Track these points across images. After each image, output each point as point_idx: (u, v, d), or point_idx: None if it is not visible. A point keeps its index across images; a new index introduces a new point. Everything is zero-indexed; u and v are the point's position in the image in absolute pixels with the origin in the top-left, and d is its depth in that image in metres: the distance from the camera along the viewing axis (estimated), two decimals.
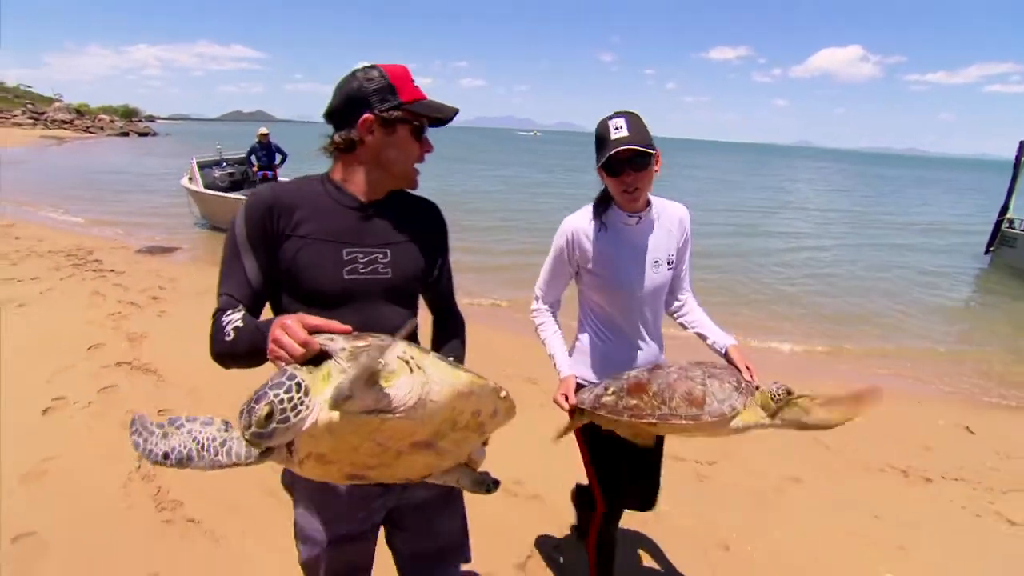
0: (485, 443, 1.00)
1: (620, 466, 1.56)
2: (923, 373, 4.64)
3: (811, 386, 1.34)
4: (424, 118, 1.04)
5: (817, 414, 1.26)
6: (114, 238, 8.05)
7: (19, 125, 45.30)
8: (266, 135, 9.05)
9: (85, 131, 47.17)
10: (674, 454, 2.70)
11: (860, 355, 5.06)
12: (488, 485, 1.02)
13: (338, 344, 0.78)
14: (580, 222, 1.44)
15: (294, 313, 0.88)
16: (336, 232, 1.01)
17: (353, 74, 1.02)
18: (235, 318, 0.93)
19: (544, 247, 1.54)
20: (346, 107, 1.01)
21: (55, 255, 6.44)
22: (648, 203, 1.43)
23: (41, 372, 3.19)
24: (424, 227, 1.15)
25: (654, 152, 1.31)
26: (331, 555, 1.08)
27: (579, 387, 1.47)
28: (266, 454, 0.75)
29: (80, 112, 55.19)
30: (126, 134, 48.40)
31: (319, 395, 0.72)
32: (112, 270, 5.91)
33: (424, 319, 1.14)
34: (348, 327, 0.83)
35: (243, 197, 8.48)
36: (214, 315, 0.96)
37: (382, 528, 1.17)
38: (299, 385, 0.70)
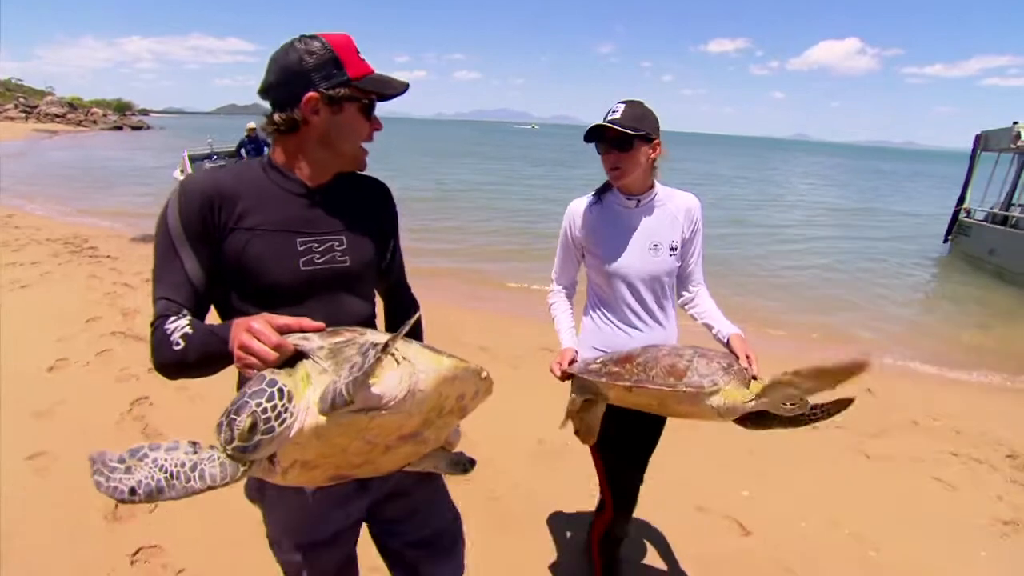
0: (463, 418, 0.98)
1: (634, 474, 1.58)
2: (860, 346, 5.12)
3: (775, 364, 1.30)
4: (373, 94, 0.96)
5: (805, 389, 1.18)
6: (109, 228, 8.45)
7: (11, 119, 45.30)
8: (254, 129, 9.41)
9: (78, 125, 47.21)
10: None
11: (799, 329, 5.53)
12: (464, 464, 1.01)
13: (314, 343, 0.73)
14: (579, 204, 1.50)
15: (248, 314, 0.83)
16: (286, 221, 0.94)
17: (291, 44, 0.92)
18: (181, 324, 0.84)
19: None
20: (286, 83, 0.92)
21: (53, 243, 6.83)
22: (651, 188, 1.46)
23: (45, 339, 3.62)
24: (376, 209, 1.09)
25: (634, 135, 1.33)
26: (311, 561, 1.03)
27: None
28: (246, 469, 0.68)
29: (73, 106, 55.08)
30: (119, 128, 48.45)
31: (302, 399, 0.68)
32: (108, 256, 6.32)
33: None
34: (321, 324, 0.78)
35: None
36: (153, 324, 0.88)
37: (366, 525, 1.13)
38: (282, 391, 0.66)
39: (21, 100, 52.43)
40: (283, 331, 0.75)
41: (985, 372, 4.81)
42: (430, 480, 1.14)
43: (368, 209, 1.07)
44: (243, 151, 9.49)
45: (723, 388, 1.20)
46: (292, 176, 0.97)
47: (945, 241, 10.71)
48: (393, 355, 0.74)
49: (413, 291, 1.26)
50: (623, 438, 1.51)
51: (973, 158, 10.44)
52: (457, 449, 1.02)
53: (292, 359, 0.73)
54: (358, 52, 0.95)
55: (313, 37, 0.93)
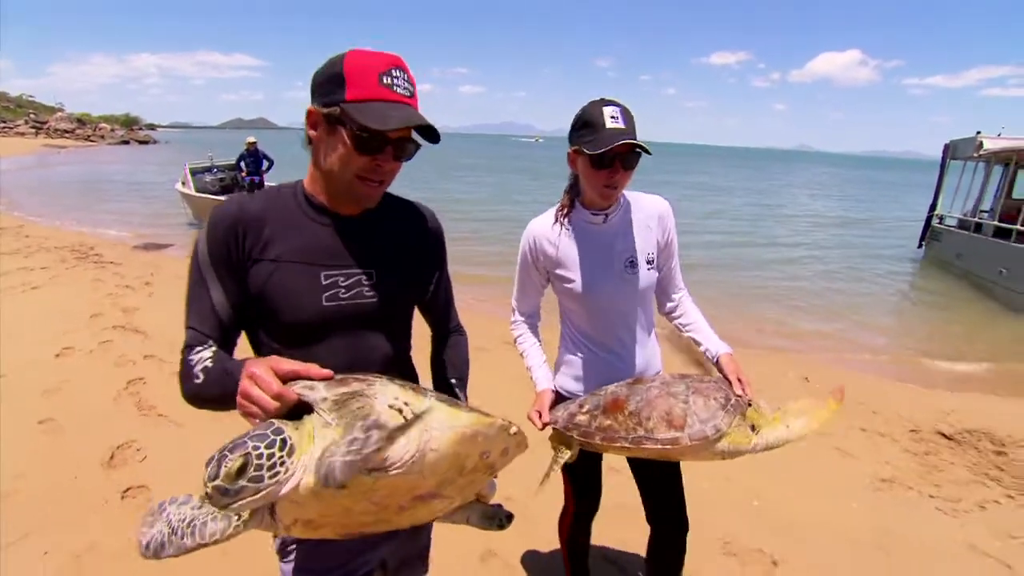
0: (495, 475, 0.91)
1: (595, 464, 1.51)
2: (819, 343, 5.49)
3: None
4: (358, 123, 0.83)
5: (796, 426, 1.19)
6: (113, 237, 8.91)
7: (22, 135, 46.38)
8: (254, 143, 9.93)
9: (86, 140, 48.24)
10: None
11: (774, 326, 5.90)
12: (501, 520, 0.94)
13: (318, 393, 0.68)
14: (541, 225, 1.35)
15: (272, 348, 0.84)
16: (311, 252, 0.89)
17: (329, 58, 0.88)
18: (204, 357, 0.82)
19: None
20: (311, 94, 0.89)
21: (60, 250, 7.28)
22: (617, 199, 1.33)
23: (53, 332, 4.03)
24: (415, 239, 1.02)
25: (649, 152, 1.22)
26: None
27: (561, 399, 1.39)
28: (240, 524, 0.65)
29: (81, 121, 56.31)
30: (126, 142, 49.44)
31: (304, 455, 0.64)
32: (111, 262, 6.76)
33: (421, 333, 1.10)
34: (329, 372, 0.72)
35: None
36: (182, 352, 0.86)
37: None
38: (284, 442, 0.62)
39: (32, 116, 53.67)
40: (288, 378, 0.70)
41: (925, 364, 5.17)
42: None
43: (407, 240, 0.99)
44: (242, 163, 9.99)
45: (727, 433, 1.13)
46: (319, 203, 0.92)
47: (919, 246, 11.08)
48: (401, 411, 0.69)
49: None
50: None
51: (943, 167, 10.83)
52: (494, 501, 0.95)
53: (300, 411, 0.68)
54: (380, 75, 0.84)
55: (349, 52, 0.86)
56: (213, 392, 0.79)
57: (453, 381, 1.08)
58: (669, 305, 1.48)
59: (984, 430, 3.52)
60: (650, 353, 1.43)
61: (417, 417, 0.69)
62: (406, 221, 1.02)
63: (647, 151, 1.20)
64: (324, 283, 0.89)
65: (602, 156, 1.18)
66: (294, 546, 0.97)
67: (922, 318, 6.99)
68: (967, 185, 10.20)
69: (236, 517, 0.65)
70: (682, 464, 1.44)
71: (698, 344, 1.41)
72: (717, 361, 1.34)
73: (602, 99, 1.24)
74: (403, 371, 1.01)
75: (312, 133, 0.88)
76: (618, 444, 1.16)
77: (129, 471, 2.38)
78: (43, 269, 6.14)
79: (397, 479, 0.68)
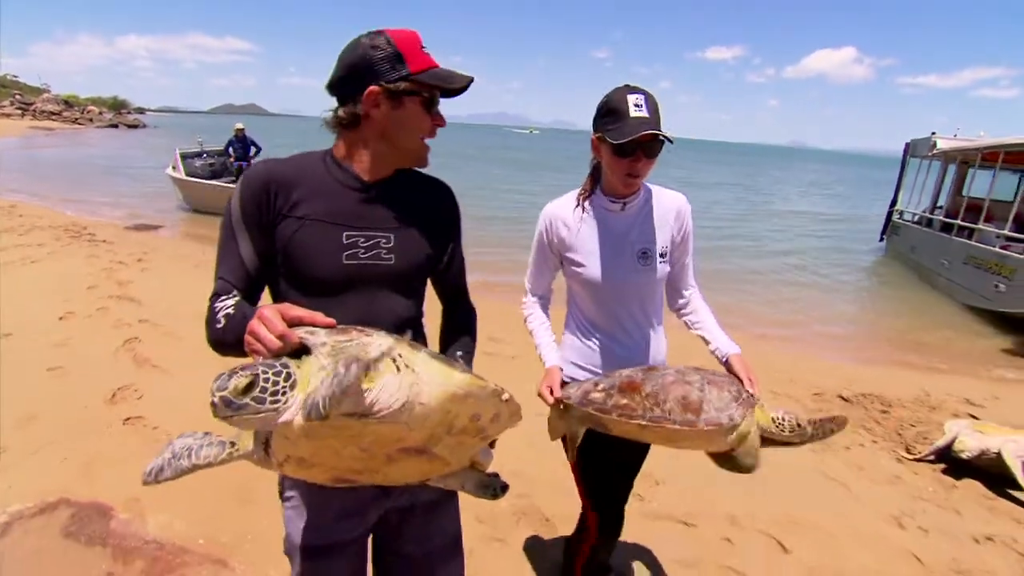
0: (492, 444, 0.95)
1: (618, 491, 1.50)
2: (758, 322, 6.01)
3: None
4: (436, 89, 0.95)
5: (805, 436, 1.23)
6: (105, 218, 9.23)
7: (7, 116, 45.76)
8: (242, 130, 10.27)
9: (74, 122, 47.72)
10: None
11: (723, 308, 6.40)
12: (495, 489, 0.97)
13: (319, 338, 0.72)
14: (559, 207, 1.37)
15: (290, 300, 0.89)
16: (336, 213, 0.95)
17: (357, 41, 0.93)
18: (227, 304, 0.88)
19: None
20: (350, 78, 0.93)
21: (55, 229, 7.61)
22: (639, 189, 1.34)
23: (55, 299, 4.43)
24: (433, 210, 1.07)
25: (672, 141, 1.23)
26: (322, 564, 1.02)
27: (564, 384, 1.37)
28: (232, 451, 0.72)
29: (69, 103, 55.56)
30: (115, 126, 48.98)
31: (301, 393, 0.67)
32: (104, 240, 7.11)
33: (433, 308, 1.12)
34: (332, 320, 0.76)
35: (221, 184, 9.75)
36: (209, 300, 0.92)
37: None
38: (289, 375, 0.66)
39: (17, 97, 52.89)
40: (295, 323, 0.74)
41: (849, 341, 5.72)
42: (447, 499, 1.13)
43: (425, 209, 1.05)
44: (231, 149, 10.35)
45: (739, 424, 1.16)
46: (349, 169, 0.98)
47: (881, 240, 11.66)
48: (394, 361, 0.72)
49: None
50: (608, 458, 1.41)
51: (903, 164, 11.37)
52: (490, 470, 0.98)
53: (301, 353, 0.71)
54: (422, 47, 0.95)
55: (378, 33, 0.93)
56: (231, 337, 0.84)
57: (460, 354, 1.10)
58: (680, 302, 1.49)
59: (878, 394, 4.04)
60: (655, 347, 1.43)
61: (408, 367, 0.73)
62: (425, 192, 1.07)
63: (670, 140, 1.22)
64: (345, 242, 0.95)
65: (625, 145, 1.20)
66: (293, 492, 1.03)
67: (862, 305, 7.58)
68: (926, 183, 10.76)
69: (230, 444, 0.72)
70: None
71: (707, 342, 1.42)
72: (727, 360, 1.35)
73: (627, 85, 1.25)
74: (415, 336, 1.05)
75: (374, 112, 0.93)
76: (635, 421, 1.18)
77: (128, 406, 2.82)
78: (39, 246, 6.49)
79: (384, 427, 0.70)
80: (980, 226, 7.68)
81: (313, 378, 0.68)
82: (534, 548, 2.11)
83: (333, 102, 0.97)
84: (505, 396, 0.83)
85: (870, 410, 3.79)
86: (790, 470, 2.80)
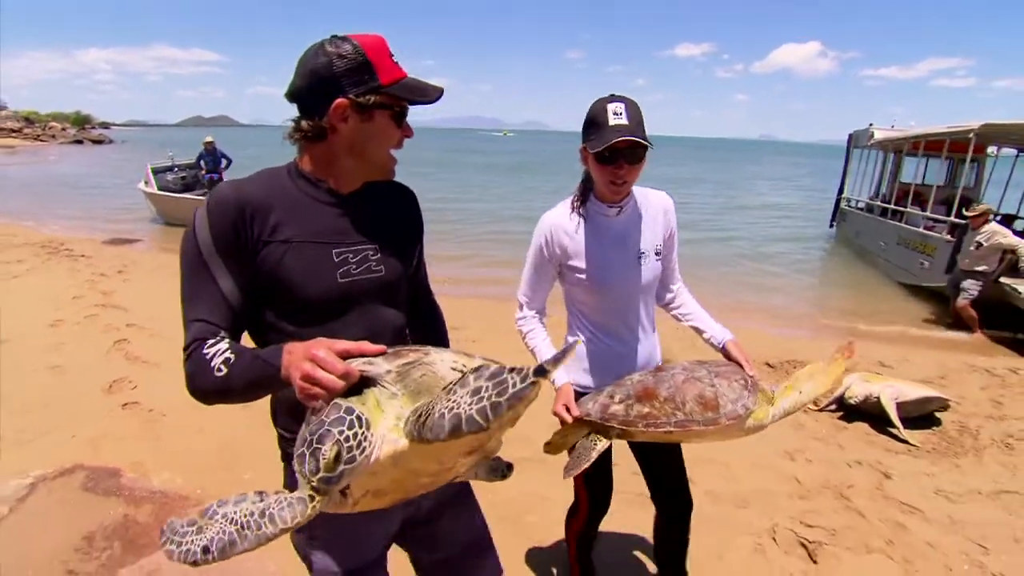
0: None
1: (608, 470, 1.56)
2: (723, 307, 6.56)
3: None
4: (407, 101, 0.92)
5: (807, 389, 1.29)
6: (81, 233, 9.38)
7: None
8: (211, 143, 10.49)
9: (36, 139, 46.52)
10: None
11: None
12: (503, 470, 1.02)
13: (381, 367, 0.73)
14: (558, 217, 1.38)
15: (284, 330, 0.89)
16: (320, 232, 0.91)
17: (320, 47, 0.87)
18: (221, 348, 0.81)
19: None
20: (314, 88, 0.87)
21: (32, 246, 7.78)
22: (629, 193, 1.38)
23: (43, 309, 4.70)
24: (404, 217, 1.08)
25: (651, 146, 1.27)
26: None
27: (577, 395, 1.38)
28: (316, 505, 0.68)
29: (30, 120, 54.15)
30: (80, 142, 47.89)
31: (378, 427, 0.68)
32: (83, 255, 7.31)
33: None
34: (382, 347, 0.77)
35: (193, 196, 9.96)
36: (188, 348, 0.83)
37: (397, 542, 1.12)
38: (361, 419, 0.66)
39: None
40: (344, 357, 0.73)
41: (798, 320, 6.30)
42: (467, 493, 1.16)
43: (397, 216, 1.06)
44: (202, 162, 10.56)
45: (753, 411, 1.21)
46: (321, 184, 0.94)
47: (831, 226, 12.41)
48: (461, 372, 0.75)
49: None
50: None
51: (848, 154, 12.13)
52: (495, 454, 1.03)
53: (356, 387, 0.71)
54: (391, 55, 0.91)
55: (344, 39, 0.88)
56: (240, 383, 0.79)
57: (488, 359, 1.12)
58: (668, 296, 1.55)
59: (801, 360, 4.57)
60: (652, 344, 1.49)
61: (500, 366, 0.74)
62: (394, 199, 1.07)
63: (649, 145, 1.26)
64: (336, 260, 0.92)
65: (604, 154, 1.25)
66: (318, 532, 0.99)
67: (804, 285, 8.20)
68: (869, 171, 11.51)
69: (310, 499, 0.67)
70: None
71: (701, 332, 1.48)
72: (724, 348, 1.42)
73: (611, 95, 1.28)
74: (403, 342, 1.05)
75: (342, 126, 0.88)
76: (662, 429, 1.21)
77: (124, 395, 3.18)
78: (19, 262, 6.69)
79: (470, 435, 0.69)
80: (907, 209, 8.38)
81: (387, 407, 0.70)
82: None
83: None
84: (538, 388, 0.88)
85: (790, 372, 4.31)
86: None
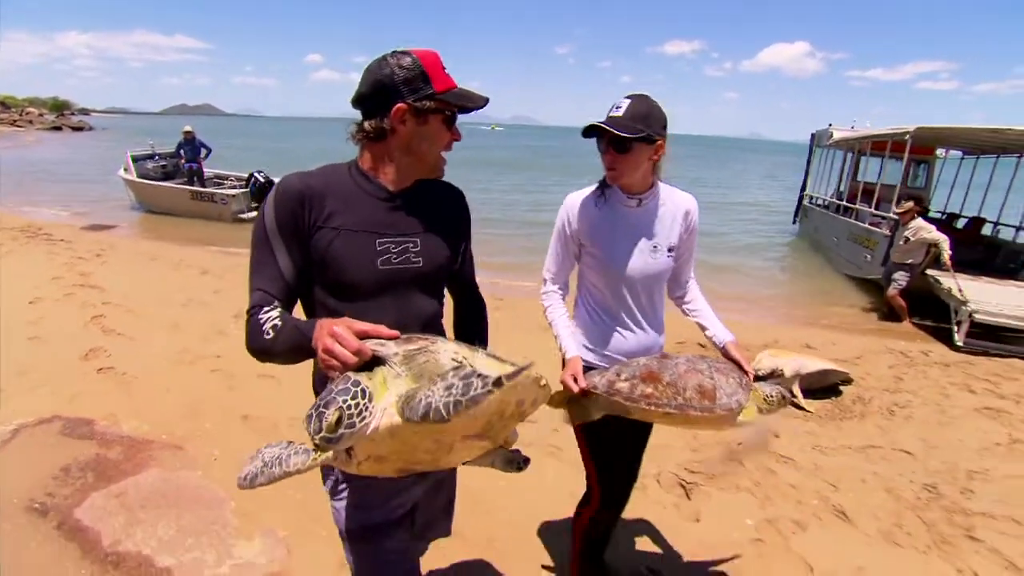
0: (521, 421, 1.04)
1: (623, 466, 1.61)
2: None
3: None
4: (457, 108, 1.04)
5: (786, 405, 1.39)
6: (60, 220, 9.53)
7: None
8: (191, 132, 10.66)
9: (12, 125, 45.59)
10: None
11: None
12: (519, 463, 1.09)
13: (390, 349, 0.82)
14: (579, 197, 1.46)
15: (328, 306, 1.01)
16: (368, 222, 1.03)
17: (384, 59, 1.00)
18: (272, 316, 0.94)
19: None
20: (377, 94, 1.00)
21: (10, 231, 7.93)
22: (652, 187, 1.43)
23: (23, 289, 4.94)
24: (450, 214, 1.17)
25: (632, 137, 1.30)
26: (377, 541, 1.13)
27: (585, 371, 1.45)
28: (318, 458, 0.79)
29: (5, 105, 52.99)
30: (59, 128, 46.98)
31: (380, 401, 0.77)
32: (62, 239, 7.50)
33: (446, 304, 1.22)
34: (396, 332, 0.86)
35: (172, 185, 10.13)
36: (249, 311, 0.97)
37: None
38: (364, 391, 0.76)
39: None
40: (362, 336, 0.83)
41: (745, 309, 6.74)
42: (452, 472, 1.31)
43: (443, 214, 1.14)
44: (181, 151, 10.73)
45: (745, 407, 1.30)
46: (375, 181, 1.05)
47: (794, 222, 12.93)
48: (461, 363, 0.84)
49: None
50: (617, 437, 1.53)
51: (810, 153, 12.63)
52: (514, 447, 1.08)
53: (369, 363, 0.81)
54: (444, 68, 1.02)
55: (405, 53, 1.00)
56: (282, 347, 0.91)
57: (476, 342, 1.22)
58: (679, 292, 1.62)
59: (760, 344, 4.98)
60: (657, 334, 1.54)
61: (472, 367, 0.83)
62: (443, 198, 1.17)
63: (619, 134, 1.29)
64: (378, 249, 1.03)
65: (597, 142, 1.37)
66: (344, 486, 1.12)
67: (758, 278, 8.67)
68: (830, 169, 12.02)
69: (316, 451, 0.78)
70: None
71: (704, 328, 1.56)
72: (724, 347, 1.49)
73: (629, 93, 1.37)
74: (438, 330, 1.16)
75: (400, 127, 1.01)
76: (662, 409, 1.29)
77: (100, 361, 3.48)
78: None
79: (457, 422, 0.75)
80: (857, 206, 8.88)
81: (391, 385, 0.80)
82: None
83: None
84: (543, 382, 0.90)
85: (718, 354, 4.73)
86: None
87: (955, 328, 5.45)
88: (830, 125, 11.27)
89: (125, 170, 10.88)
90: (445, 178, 1.16)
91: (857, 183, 10.06)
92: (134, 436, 2.61)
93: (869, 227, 7.95)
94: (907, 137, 7.16)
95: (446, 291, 1.24)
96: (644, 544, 2.21)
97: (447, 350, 0.86)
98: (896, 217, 6.51)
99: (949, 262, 5.88)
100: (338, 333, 0.81)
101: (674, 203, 1.48)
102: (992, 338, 5.30)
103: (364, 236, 1.02)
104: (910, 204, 6.32)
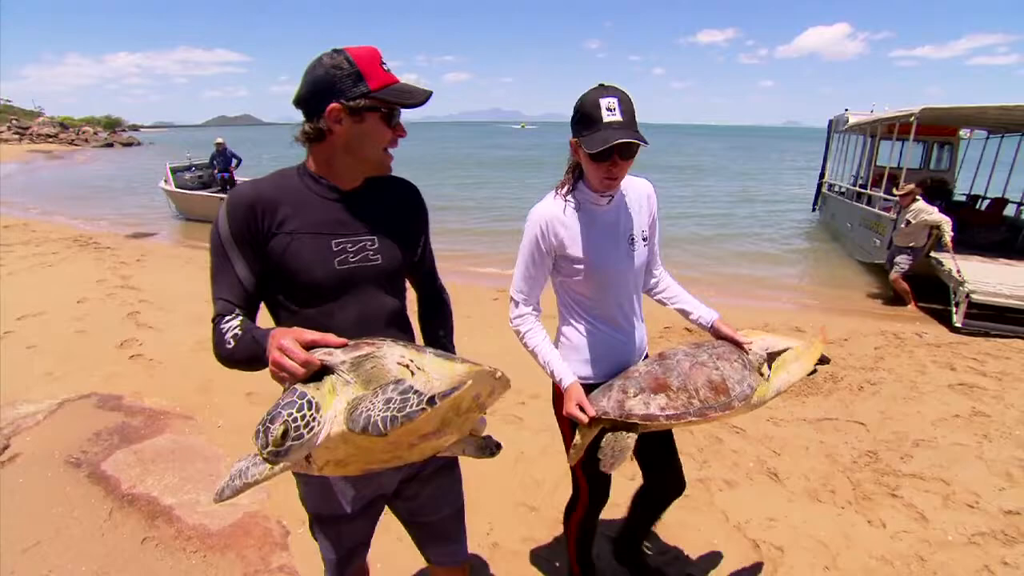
0: (484, 412, 1.04)
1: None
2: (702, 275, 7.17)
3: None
4: (395, 104, 1.02)
5: (794, 369, 1.35)
6: (108, 229, 10.42)
7: (5, 141, 46.89)
8: (222, 143, 11.43)
9: (70, 144, 48.79)
10: None
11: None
12: (491, 449, 1.10)
13: (337, 358, 0.83)
14: (551, 209, 1.37)
15: (290, 310, 1.04)
16: (322, 224, 1.03)
17: (319, 60, 1.00)
18: (233, 325, 0.96)
19: None
20: (313, 96, 1.00)
21: (65, 240, 8.79)
22: (619, 187, 1.40)
23: (72, 290, 5.59)
24: (405, 209, 1.17)
25: (646, 143, 1.24)
26: (341, 527, 1.16)
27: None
28: (274, 468, 0.79)
29: (64, 125, 56.69)
30: (111, 145, 50.00)
31: (329, 409, 0.78)
32: (108, 247, 8.27)
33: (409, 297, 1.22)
34: (344, 340, 0.87)
35: (208, 194, 10.90)
36: (213, 321, 0.99)
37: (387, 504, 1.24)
38: (310, 403, 0.77)
39: (14, 122, 54.12)
40: (310, 346, 0.84)
41: (747, 292, 6.84)
42: (450, 468, 1.28)
43: (398, 209, 1.15)
44: (214, 162, 11.51)
45: (757, 388, 1.25)
46: (325, 181, 1.06)
47: (813, 210, 12.72)
48: (407, 366, 0.85)
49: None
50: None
51: (828, 139, 12.39)
52: (484, 433, 1.10)
53: (319, 372, 0.82)
54: (382, 63, 1.01)
55: (339, 51, 0.99)
56: (242, 356, 0.94)
57: (441, 333, 1.26)
58: (652, 281, 1.58)
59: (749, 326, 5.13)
60: (643, 331, 1.52)
61: (420, 368, 0.86)
62: (396, 193, 1.17)
63: (645, 142, 1.23)
64: (335, 249, 1.03)
65: (599, 152, 1.22)
66: (308, 482, 1.14)
67: (772, 263, 8.67)
68: (848, 155, 11.79)
69: (276, 467, 0.79)
70: None
71: (687, 314, 1.51)
72: (713, 327, 1.46)
73: (600, 86, 1.27)
74: (402, 324, 1.17)
75: (337, 127, 1.00)
76: (684, 419, 1.23)
77: (132, 349, 4.00)
78: (53, 254, 7.66)
79: (408, 424, 0.76)
80: (870, 191, 8.75)
81: (340, 393, 0.81)
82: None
83: None
84: (498, 374, 0.89)
85: (706, 335, 4.90)
86: None
87: (954, 309, 5.42)
88: (846, 110, 11.09)
89: (165, 181, 11.76)
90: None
91: (878, 168, 9.88)
92: (154, 408, 3.07)
93: (879, 212, 7.85)
94: (912, 119, 7.07)
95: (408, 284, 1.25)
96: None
97: (393, 354, 0.87)
98: (897, 200, 6.47)
99: (950, 244, 5.83)
100: (285, 346, 0.83)
101: (635, 190, 1.46)
102: (995, 319, 5.25)
103: (319, 238, 1.03)
104: (911, 186, 6.28)
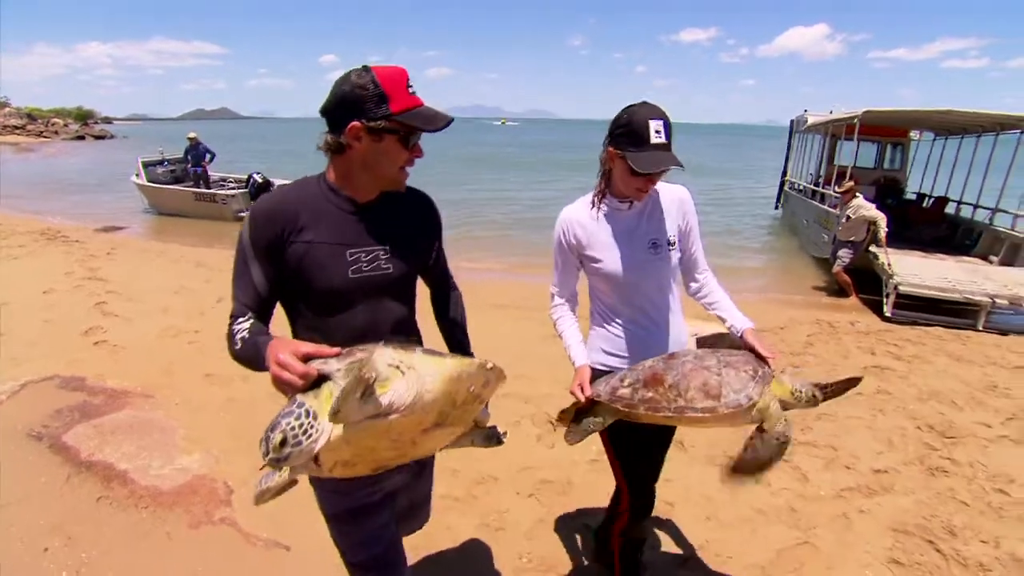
0: (484, 403, 1.09)
1: (648, 465, 1.62)
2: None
3: None
4: (413, 128, 1.07)
5: (819, 402, 1.34)
6: (77, 223, 10.37)
7: None
8: (195, 138, 11.44)
9: (39, 136, 47.35)
10: None
11: None
12: (498, 438, 1.18)
13: (332, 366, 0.87)
14: (573, 210, 1.49)
15: (303, 315, 1.13)
16: (338, 235, 1.10)
17: (347, 76, 1.05)
18: (243, 327, 1.04)
19: None
20: (337, 110, 1.05)
21: (32, 233, 8.75)
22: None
23: (38, 283, 5.66)
24: (419, 220, 1.24)
25: (683, 167, 1.32)
26: (359, 522, 1.22)
27: (596, 374, 1.49)
28: (293, 471, 0.87)
29: (32, 116, 54.92)
30: (82, 137, 48.69)
31: (325, 415, 0.83)
32: (77, 240, 8.28)
33: (423, 296, 1.31)
34: (337, 349, 0.91)
35: (179, 188, 10.90)
36: (229, 320, 1.08)
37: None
38: (308, 412, 0.82)
39: None
40: (307, 358, 0.89)
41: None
42: (430, 462, 1.41)
43: (411, 221, 1.21)
44: (188, 156, 11.51)
45: (758, 402, 1.25)
46: (343, 193, 1.12)
47: (776, 208, 13.20)
48: (398, 367, 0.88)
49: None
50: (639, 439, 1.54)
51: (790, 138, 12.86)
52: (490, 423, 1.18)
53: (317, 380, 0.87)
54: (408, 86, 1.06)
55: (367, 70, 1.04)
56: (245, 359, 1.02)
57: (456, 328, 1.33)
58: (694, 286, 1.62)
59: (691, 316, 5.45)
60: (676, 330, 1.55)
61: (410, 367, 0.90)
62: (410, 204, 1.23)
63: (682, 166, 1.31)
64: (349, 259, 1.10)
65: (642, 168, 1.31)
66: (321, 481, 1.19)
67: (731, 257, 9.06)
68: (809, 153, 12.24)
69: (286, 471, 0.89)
70: None
71: (723, 320, 1.53)
72: (742, 336, 1.46)
73: (646, 105, 1.35)
74: (410, 330, 1.25)
75: (356, 144, 1.06)
76: (661, 414, 1.29)
77: (97, 336, 4.15)
78: (20, 247, 7.66)
79: (404, 419, 0.86)
80: (822, 189, 9.19)
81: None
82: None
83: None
84: (489, 365, 0.93)
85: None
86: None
87: (884, 300, 5.83)
88: (805, 111, 11.53)
89: (136, 175, 11.71)
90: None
91: (833, 167, 10.33)
92: (116, 388, 3.25)
93: (828, 208, 8.28)
94: (855, 120, 7.49)
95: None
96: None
97: (383, 358, 0.90)
98: (838, 196, 6.87)
99: (884, 239, 6.23)
100: (284, 361, 0.87)
101: (665, 197, 1.50)
102: (924, 309, 5.66)
103: (334, 248, 1.09)
104: (850, 184, 6.69)
